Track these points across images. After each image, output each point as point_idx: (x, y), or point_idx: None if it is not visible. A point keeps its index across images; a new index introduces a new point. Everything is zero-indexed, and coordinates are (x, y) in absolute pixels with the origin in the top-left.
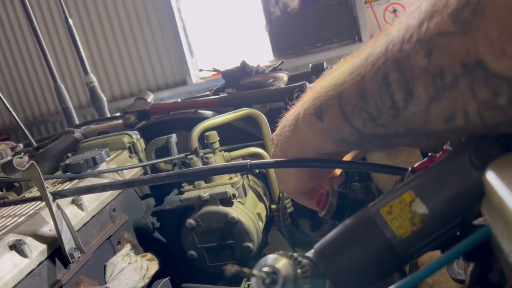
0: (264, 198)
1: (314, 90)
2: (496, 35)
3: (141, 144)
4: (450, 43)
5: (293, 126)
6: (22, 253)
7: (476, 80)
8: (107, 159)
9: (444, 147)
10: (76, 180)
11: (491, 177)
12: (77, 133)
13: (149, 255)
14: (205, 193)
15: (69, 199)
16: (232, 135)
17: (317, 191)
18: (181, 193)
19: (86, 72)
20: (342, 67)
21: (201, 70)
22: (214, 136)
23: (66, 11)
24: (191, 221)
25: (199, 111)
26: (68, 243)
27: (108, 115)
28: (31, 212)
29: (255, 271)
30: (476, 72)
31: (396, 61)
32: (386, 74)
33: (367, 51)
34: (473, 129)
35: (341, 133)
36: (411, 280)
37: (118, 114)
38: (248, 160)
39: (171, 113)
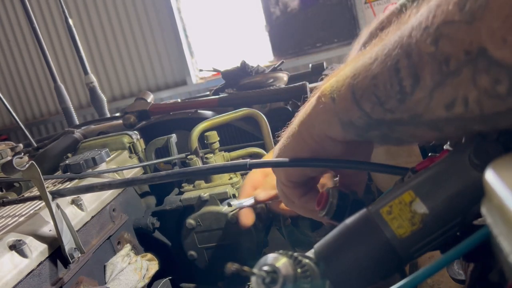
0: None
1: (336, 73)
2: (498, 25)
3: (141, 144)
4: (455, 32)
5: (314, 103)
6: (22, 253)
7: (478, 68)
8: (107, 159)
9: (444, 147)
10: (76, 180)
11: (491, 177)
12: (77, 133)
13: (149, 255)
14: (205, 193)
15: (69, 199)
16: (232, 135)
17: (307, 185)
18: (181, 193)
19: (86, 72)
20: (365, 54)
21: (201, 70)
22: (214, 136)
23: (66, 11)
24: (191, 221)
25: (199, 111)
26: (68, 243)
27: (108, 115)
28: (31, 212)
29: (255, 270)
30: (478, 60)
31: (406, 48)
32: (396, 61)
33: (383, 39)
34: (472, 118)
35: (350, 115)
36: (412, 281)
37: (118, 114)
38: (248, 160)
39: (171, 113)
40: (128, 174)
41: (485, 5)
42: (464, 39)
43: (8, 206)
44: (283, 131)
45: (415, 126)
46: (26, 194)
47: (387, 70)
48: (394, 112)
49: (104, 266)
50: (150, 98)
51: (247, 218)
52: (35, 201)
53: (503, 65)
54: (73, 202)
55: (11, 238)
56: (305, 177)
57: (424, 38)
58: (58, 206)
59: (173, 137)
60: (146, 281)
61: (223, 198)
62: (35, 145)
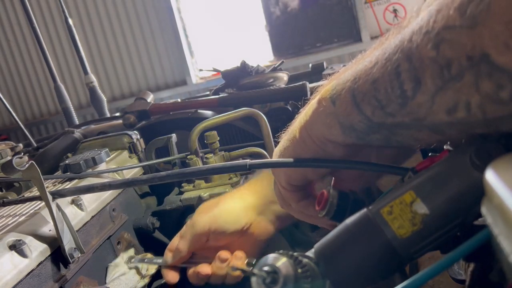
0: None
1: (337, 76)
2: (500, 29)
3: (141, 144)
4: (457, 37)
5: (315, 106)
6: (22, 253)
7: (480, 73)
8: (107, 159)
9: (445, 147)
10: (76, 180)
11: (491, 177)
12: (77, 133)
13: (149, 255)
14: (205, 193)
15: (69, 199)
16: (232, 135)
17: (306, 190)
18: (181, 193)
19: (86, 72)
20: (365, 57)
21: (201, 70)
22: (214, 136)
23: (66, 11)
24: None
25: (199, 111)
26: (68, 243)
27: (108, 115)
28: (31, 212)
29: (255, 270)
30: (481, 65)
31: (407, 52)
32: (397, 65)
33: (383, 43)
34: (474, 122)
35: (350, 119)
36: (414, 282)
37: (118, 114)
38: (248, 160)
39: (171, 113)
40: (128, 174)
41: (487, 9)
42: (465, 44)
43: (8, 206)
44: (283, 132)
45: (417, 129)
46: (26, 194)
47: (388, 74)
48: (395, 116)
49: (106, 268)
50: (150, 98)
51: (171, 278)
52: (35, 201)
53: (505, 70)
54: (73, 202)
55: (11, 238)
56: (306, 180)
57: (425, 42)
58: (58, 206)
59: (173, 137)
60: (146, 281)
61: None
62: (35, 145)
